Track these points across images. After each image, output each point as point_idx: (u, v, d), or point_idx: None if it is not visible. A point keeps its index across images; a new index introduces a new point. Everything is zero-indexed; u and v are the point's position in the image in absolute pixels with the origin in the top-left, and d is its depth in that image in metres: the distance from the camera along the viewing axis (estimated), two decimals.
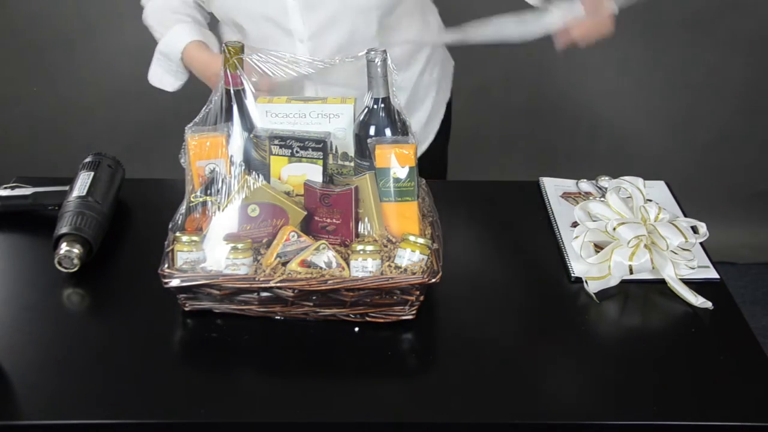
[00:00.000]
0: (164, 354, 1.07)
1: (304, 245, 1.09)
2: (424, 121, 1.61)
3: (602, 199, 1.29)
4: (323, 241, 1.09)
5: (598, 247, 1.21)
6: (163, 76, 1.49)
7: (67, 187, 1.30)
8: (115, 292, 1.18)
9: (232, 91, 1.13)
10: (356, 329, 1.08)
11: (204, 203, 1.11)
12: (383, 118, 1.13)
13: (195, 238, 1.08)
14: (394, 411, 0.98)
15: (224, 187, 1.11)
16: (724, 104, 2.55)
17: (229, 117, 1.14)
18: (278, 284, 1.04)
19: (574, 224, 1.29)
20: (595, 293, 1.16)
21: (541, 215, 1.36)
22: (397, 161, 1.09)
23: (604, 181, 1.40)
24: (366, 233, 1.11)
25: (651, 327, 1.14)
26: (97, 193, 1.27)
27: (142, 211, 1.36)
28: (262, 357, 1.06)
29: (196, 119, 1.15)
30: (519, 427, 0.97)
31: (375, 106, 1.13)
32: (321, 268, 1.07)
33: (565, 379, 1.03)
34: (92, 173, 1.31)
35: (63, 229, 1.19)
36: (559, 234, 1.30)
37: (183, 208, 1.13)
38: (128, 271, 1.22)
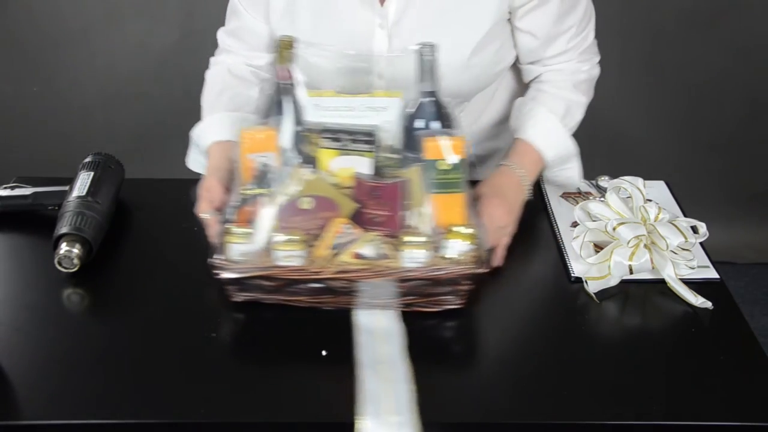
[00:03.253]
0: (164, 354, 1.06)
1: (356, 237, 1.09)
2: None
3: (602, 199, 1.29)
4: (374, 233, 1.10)
5: (598, 247, 1.21)
6: (199, 157, 1.37)
7: (67, 187, 1.29)
8: (115, 292, 1.18)
9: (281, 85, 1.15)
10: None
11: (256, 196, 1.11)
12: (432, 112, 1.14)
13: (248, 230, 1.08)
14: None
15: (275, 180, 1.11)
16: (724, 104, 2.55)
17: (279, 110, 1.16)
18: (333, 275, 1.05)
19: (574, 224, 1.29)
20: (595, 293, 1.16)
21: (541, 215, 1.36)
22: (445, 153, 1.10)
23: (604, 181, 1.40)
24: (414, 225, 1.12)
25: (651, 327, 1.14)
26: (97, 193, 1.27)
27: (142, 211, 1.36)
28: (262, 357, 1.06)
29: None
30: (518, 427, 0.97)
31: (424, 100, 1.14)
32: (372, 259, 1.07)
33: (565, 379, 1.02)
34: (92, 173, 1.31)
35: (63, 229, 1.19)
36: (559, 234, 1.30)
37: (234, 201, 1.14)
38: (128, 271, 1.22)
